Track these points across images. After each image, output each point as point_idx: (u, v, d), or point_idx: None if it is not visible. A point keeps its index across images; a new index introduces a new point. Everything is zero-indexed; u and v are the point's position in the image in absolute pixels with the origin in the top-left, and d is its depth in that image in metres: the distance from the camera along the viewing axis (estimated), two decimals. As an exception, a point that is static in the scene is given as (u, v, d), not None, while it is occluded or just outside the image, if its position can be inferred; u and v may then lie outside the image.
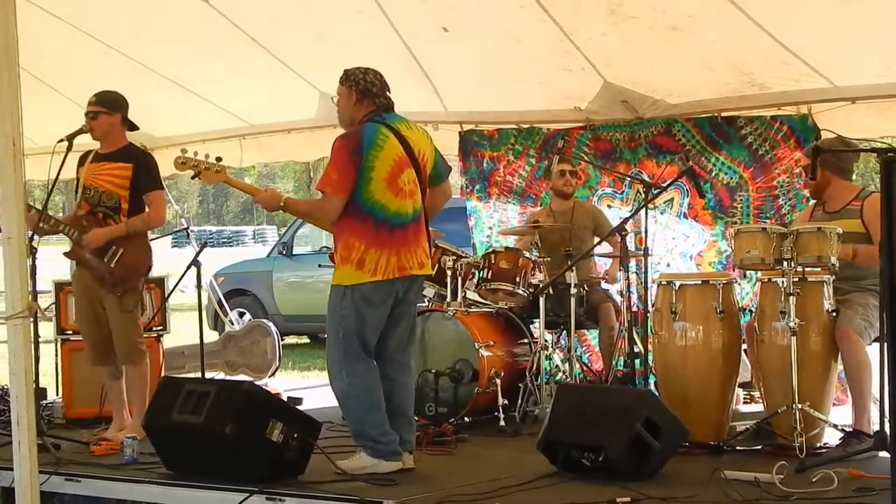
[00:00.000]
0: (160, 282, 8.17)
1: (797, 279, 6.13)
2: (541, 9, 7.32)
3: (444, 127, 8.99)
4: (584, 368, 8.30)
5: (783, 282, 6.11)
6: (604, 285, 8.28)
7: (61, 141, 6.66)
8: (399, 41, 8.01)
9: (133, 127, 7.06)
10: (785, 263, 6.03)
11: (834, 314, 6.24)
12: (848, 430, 6.16)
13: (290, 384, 10.27)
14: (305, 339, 16.83)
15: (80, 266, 7.00)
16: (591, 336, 8.58)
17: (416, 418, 6.16)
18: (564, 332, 7.85)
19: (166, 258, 9.62)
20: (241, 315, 14.74)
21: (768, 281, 6.42)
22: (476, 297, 7.95)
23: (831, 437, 6.25)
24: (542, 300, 7.48)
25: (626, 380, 7.28)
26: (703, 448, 6.14)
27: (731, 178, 8.17)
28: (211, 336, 11.11)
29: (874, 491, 5.00)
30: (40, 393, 7.53)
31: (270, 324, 10.18)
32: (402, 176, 5.72)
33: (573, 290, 7.47)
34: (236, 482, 5.40)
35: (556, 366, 7.85)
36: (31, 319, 5.16)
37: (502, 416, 7.17)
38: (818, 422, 6.13)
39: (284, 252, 15.71)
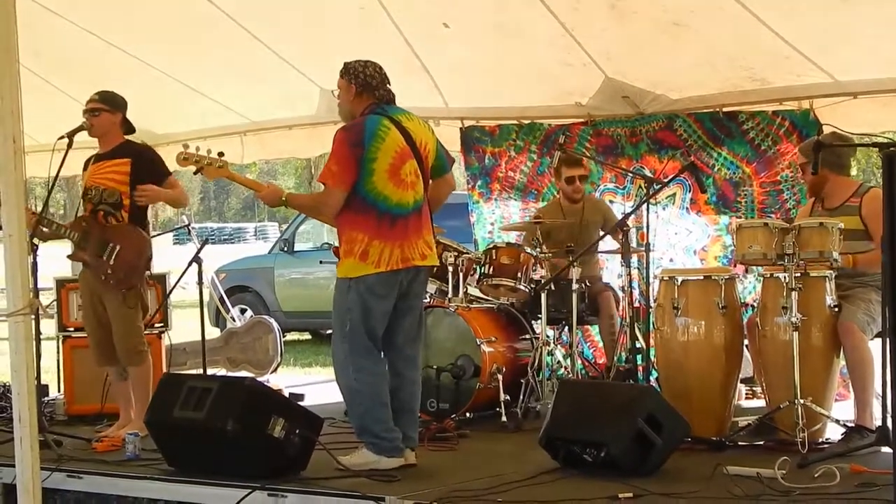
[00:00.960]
0: (162, 279, 8.17)
1: (799, 274, 6.12)
2: (541, 4, 7.31)
3: (444, 123, 8.98)
4: (587, 364, 8.29)
5: (785, 277, 6.10)
6: (605, 278, 8.29)
7: (62, 138, 6.66)
8: (400, 37, 8.00)
9: (131, 129, 7.06)
10: (787, 259, 6.03)
11: (836, 309, 6.24)
12: (850, 425, 6.16)
13: (292, 380, 10.26)
14: (307, 336, 16.84)
15: (84, 266, 7.00)
16: (594, 331, 8.57)
17: (419, 414, 6.16)
18: (566, 327, 7.85)
19: (168, 255, 9.63)
20: (243, 312, 14.73)
21: (770, 276, 6.42)
22: (477, 292, 7.94)
23: (833, 433, 6.25)
24: (543, 296, 7.47)
25: (627, 375, 7.29)
26: (705, 444, 6.13)
27: (734, 173, 8.17)
28: (212, 333, 11.10)
29: (877, 486, 4.99)
30: (42, 390, 7.53)
31: (272, 320, 10.16)
32: (404, 167, 5.71)
33: (575, 286, 7.47)
34: (238, 478, 5.40)
35: (558, 361, 7.85)
36: (33, 316, 5.15)
37: (504, 411, 7.17)
38: (820, 417, 6.13)
39: (286, 248, 15.71)
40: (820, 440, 6.15)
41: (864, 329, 6.18)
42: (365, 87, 5.80)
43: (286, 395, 7.66)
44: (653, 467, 5.47)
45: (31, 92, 5.54)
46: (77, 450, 6.49)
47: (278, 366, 9.90)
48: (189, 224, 11.39)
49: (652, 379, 6.98)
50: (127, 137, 7.04)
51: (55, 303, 8.15)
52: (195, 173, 6.03)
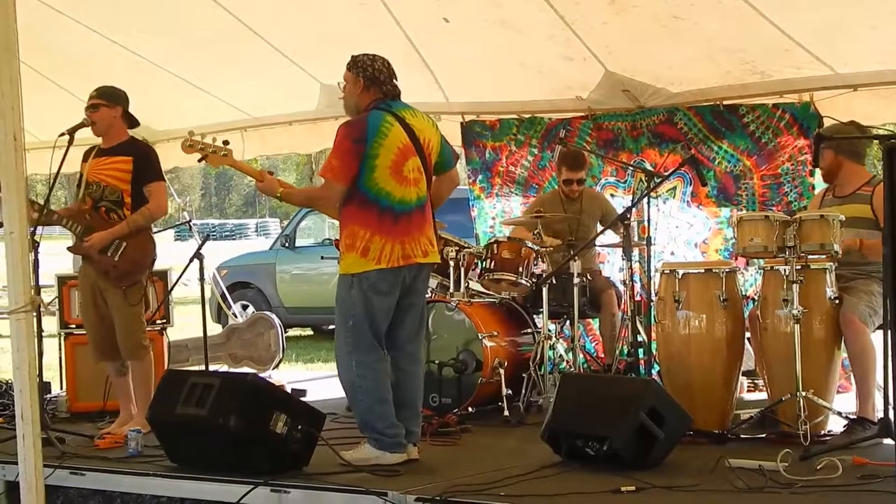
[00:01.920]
0: (163, 275, 8.17)
1: (800, 267, 6.12)
2: (542, -2, 7.32)
3: (445, 118, 8.97)
4: (589, 358, 8.30)
5: (786, 269, 6.11)
6: (605, 273, 8.29)
7: (62, 135, 6.67)
8: (400, 32, 8.00)
9: (134, 122, 7.06)
10: (788, 251, 6.03)
11: (837, 301, 6.24)
12: (852, 417, 6.17)
13: (294, 376, 10.28)
14: (309, 332, 16.86)
15: (85, 260, 7.00)
16: (596, 325, 8.58)
17: (421, 409, 6.16)
18: (568, 321, 7.85)
19: (169, 252, 9.62)
20: (245, 308, 14.76)
21: (771, 269, 6.42)
22: (479, 287, 7.95)
23: (835, 425, 6.25)
24: (545, 290, 7.47)
25: (629, 369, 7.29)
26: (708, 436, 6.14)
27: (735, 166, 8.17)
28: (214, 329, 11.13)
29: (879, 478, 5.00)
30: (44, 387, 7.56)
31: (274, 316, 10.18)
32: (407, 164, 5.71)
33: (576, 280, 7.47)
34: (241, 474, 5.40)
35: (560, 355, 7.85)
36: (34, 313, 5.15)
37: (506, 406, 7.17)
38: (822, 409, 6.13)
39: (287, 244, 15.73)
40: (822, 432, 6.15)
41: (865, 321, 6.18)
42: (373, 81, 5.79)
43: (288, 390, 7.65)
44: (655, 460, 5.47)
45: (32, 88, 5.55)
46: (80, 447, 6.49)
47: (280, 362, 9.92)
48: (190, 220, 11.42)
49: (654, 372, 6.99)
50: (131, 134, 7.04)
51: (57, 300, 8.16)
52: (199, 160, 6.03)
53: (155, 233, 7.17)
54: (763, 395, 6.87)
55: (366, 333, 5.69)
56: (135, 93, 7.11)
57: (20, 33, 4.90)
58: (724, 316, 6.48)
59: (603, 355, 8.28)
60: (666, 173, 7.65)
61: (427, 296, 6.30)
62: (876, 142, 6.56)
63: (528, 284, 7.69)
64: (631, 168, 8.50)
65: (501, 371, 7.28)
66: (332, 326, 6.50)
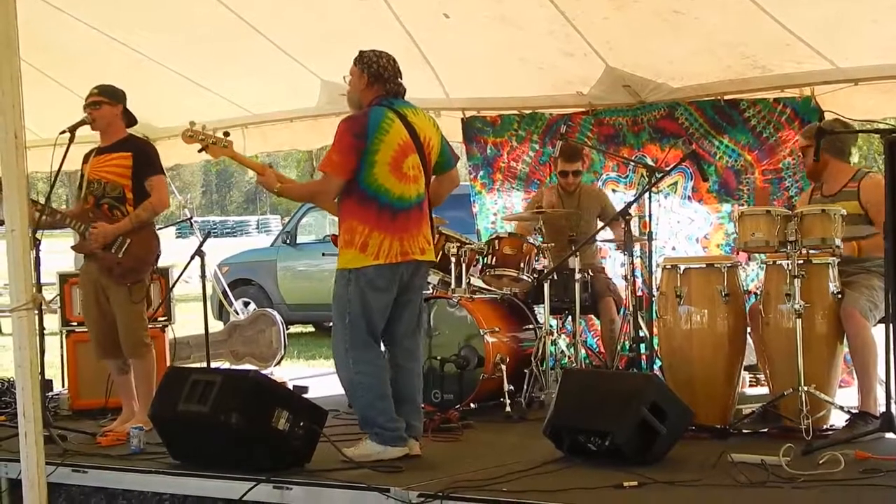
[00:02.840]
0: (164, 272, 8.17)
1: (802, 261, 6.12)
2: (542, -6, 7.32)
3: (446, 114, 8.97)
4: (591, 353, 8.30)
5: (788, 264, 6.10)
6: (607, 271, 8.29)
7: (63, 132, 6.67)
8: (400, 28, 7.99)
9: (132, 121, 7.07)
10: (789, 246, 6.03)
11: (839, 296, 6.24)
12: (854, 411, 6.17)
13: (296, 373, 10.29)
14: (310, 328, 16.86)
15: (87, 258, 7.00)
16: (598, 321, 8.57)
17: (422, 405, 6.16)
18: (569, 317, 7.85)
19: (170, 249, 9.61)
20: (246, 305, 14.77)
21: (773, 263, 6.42)
22: (480, 283, 7.95)
23: (837, 419, 6.26)
24: (546, 286, 7.47)
25: (631, 364, 7.29)
26: (710, 431, 6.14)
27: (736, 161, 8.17)
28: (216, 326, 11.13)
29: (881, 472, 5.01)
30: (46, 385, 7.54)
31: (275, 313, 10.19)
32: (407, 161, 5.72)
33: (577, 276, 7.47)
34: (243, 471, 5.40)
35: (562, 351, 7.85)
36: (36, 311, 5.15)
37: (508, 401, 7.17)
38: (824, 404, 6.13)
39: (288, 241, 15.73)
40: (824, 427, 6.16)
41: (866, 315, 6.18)
42: (377, 77, 5.80)
43: (290, 387, 7.67)
44: (657, 455, 5.47)
45: (33, 86, 5.54)
46: (82, 444, 6.50)
47: (282, 358, 9.93)
48: (191, 218, 11.43)
49: (655, 367, 7.00)
50: (129, 131, 7.05)
51: (58, 298, 8.16)
52: (200, 151, 6.01)
53: (158, 229, 7.17)
54: (765, 390, 6.86)
55: (363, 330, 5.69)
56: (135, 90, 7.11)
57: (20, 30, 4.90)
58: (725, 311, 6.47)
59: (604, 350, 8.27)
60: (667, 168, 7.64)
61: (427, 292, 6.30)
62: (858, 137, 6.57)
63: (530, 280, 7.69)
64: (632, 163, 8.49)
65: (503, 367, 7.28)
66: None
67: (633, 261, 7.13)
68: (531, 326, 7.77)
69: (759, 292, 6.72)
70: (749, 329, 6.67)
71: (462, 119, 9.31)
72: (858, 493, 4.82)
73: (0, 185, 4.99)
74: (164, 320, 8.05)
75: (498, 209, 9.32)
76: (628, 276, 7.32)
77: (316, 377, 9.65)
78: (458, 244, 7.72)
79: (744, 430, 6.23)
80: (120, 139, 6.96)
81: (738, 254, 7.31)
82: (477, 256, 7.82)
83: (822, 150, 6.42)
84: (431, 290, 7.86)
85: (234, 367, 9.59)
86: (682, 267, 6.61)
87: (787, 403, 6.12)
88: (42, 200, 6.81)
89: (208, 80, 9.26)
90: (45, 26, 8.15)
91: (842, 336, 6.29)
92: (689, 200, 8.47)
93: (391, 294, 5.73)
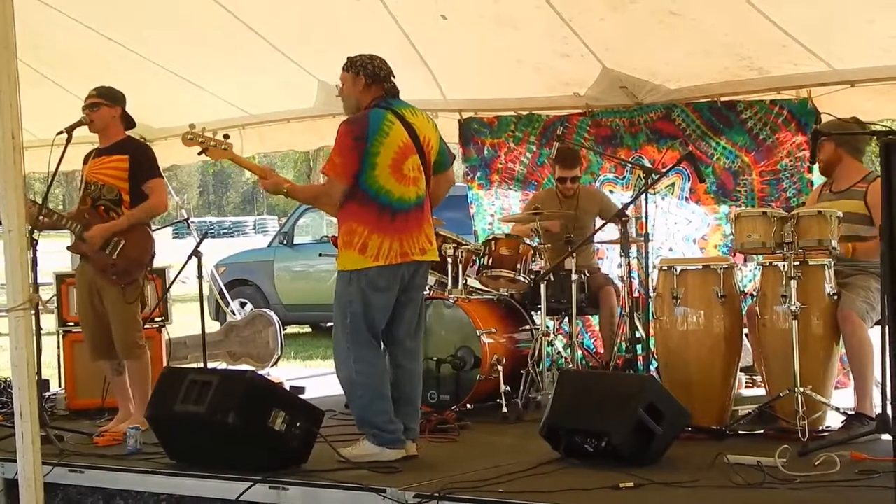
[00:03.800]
0: (161, 273, 8.17)
1: (798, 263, 6.13)
2: (539, -5, 7.32)
3: (443, 115, 8.95)
4: (587, 354, 8.30)
5: (784, 265, 6.11)
6: (604, 270, 8.30)
7: (60, 133, 6.66)
8: (397, 29, 8.00)
9: (131, 123, 7.07)
10: (786, 247, 6.03)
11: (835, 297, 6.24)
12: (850, 413, 6.17)
13: (293, 373, 10.28)
14: (307, 329, 16.86)
15: (82, 259, 7.00)
16: (595, 322, 8.58)
17: (420, 406, 6.16)
18: (566, 318, 7.85)
19: (167, 249, 9.61)
20: (243, 305, 14.77)
21: (770, 265, 6.42)
22: (477, 284, 7.95)
23: (834, 421, 6.26)
24: (543, 287, 7.47)
25: (627, 365, 7.29)
26: (706, 433, 6.14)
27: (733, 162, 8.17)
28: (213, 326, 11.12)
29: (877, 473, 5.01)
30: (43, 385, 7.55)
31: (272, 313, 10.19)
32: (407, 162, 5.72)
33: (574, 277, 7.47)
34: (239, 471, 5.40)
35: (558, 352, 7.85)
36: (33, 311, 5.16)
37: (505, 402, 7.17)
38: (820, 405, 6.14)
39: (285, 242, 15.73)
40: (820, 428, 6.16)
41: (863, 317, 6.18)
42: (374, 78, 5.80)
43: (287, 388, 7.68)
44: (654, 456, 5.47)
45: (30, 87, 5.55)
46: (78, 444, 6.50)
47: (279, 359, 9.93)
48: (188, 218, 11.41)
49: (652, 368, 7.00)
50: (127, 133, 7.05)
51: (55, 298, 8.16)
52: (199, 154, 6.01)
53: (154, 230, 7.17)
54: (761, 392, 6.87)
55: (364, 330, 5.69)
56: (132, 91, 7.11)
57: (17, 30, 4.90)
58: (722, 312, 6.48)
59: (602, 351, 8.28)
60: (664, 170, 7.65)
61: (425, 293, 6.30)
62: (874, 138, 6.57)
63: (527, 281, 7.69)
64: (629, 165, 8.50)
65: (500, 368, 7.28)
66: (330, 324, 6.51)
67: (629, 262, 7.14)
68: (528, 327, 7.77)
69: (755, 294, 6.73)
70: (745, 330, 6.68)
71: (459, 120, 9.31)
72: (854, 494, 4.82)
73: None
74: (161, 321, 8.05)
75: (495, 210, 9.33)
76: (625, 277, 7.33)
77: (313, 378, 9.65)
78: (455, 245, 7.72)
79: (740, 432, 6.23)
80: (118, 141, 6.96)
81: (735, 255, 7.31)
82: (473, 257, 7.82)
83: (837, 145, 6.45)
84: (428, 291, 7.85)
85: (230, 367, 9.59)
86: (679, 268, 6.62)
87: (784, 405, 6.13)
88: (39, 201, 6.80)
89: (205, 80, 9.26)
90: (43, 27, 8.15)
91: (838, 337, 6.29)
92: (686, 201, 8.48)
93: (393, 293, 5.74)
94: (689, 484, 5.01)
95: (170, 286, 8.18)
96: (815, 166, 7.10)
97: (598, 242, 8.31)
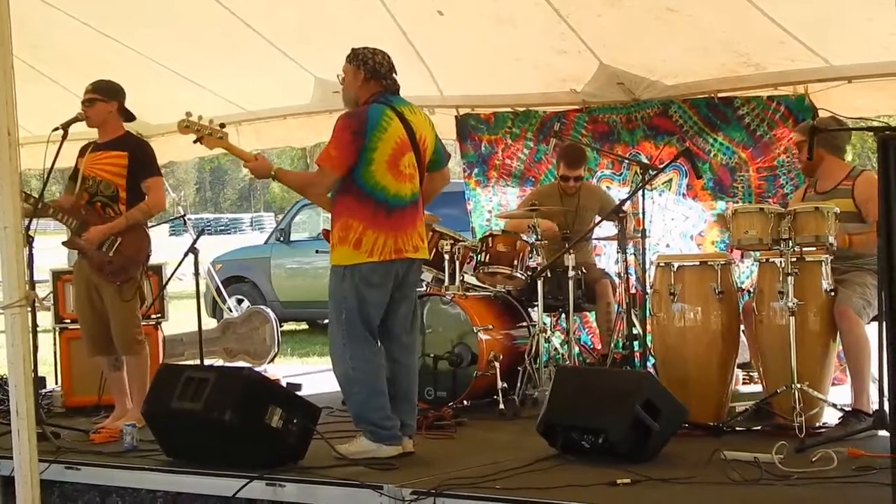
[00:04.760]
0: (158, 269, 8.17)
1: (795, 259, 6.13)
2: (536, -9, 7.31)
3: (439, 111, 8.97)
4: (584, 350, 8.30)
5: (781, 262, 6.11)
6: (601, 265, 8.30)
7: (56, 129, 6.64)
8: (394, 25, 7.99)
9: (130, 117, 7.05)
10: (783, 243, 6.03)
11: (832, 294, 6.24)
12: (847, 409, 6.18)
13: (289, 370, 10.28)
14: (304, 326, 16.86)
15: (80, 256, 6.99)
16: (592, 318, 8.58)
17: (417, 402, 6.15)
18: (563, 314, 7.85)
19: (164, 246, 9.62)
20: (240, 302, 14.76)
21: (766, 261, 6.42)
22: (474, 280, 7.95)
23: (831, 417, 6.26)
24: (540, 283, 7.47)
25: (625, 361, 7.29)
26: (703, 429, 6.15)
27: (730, 158, 8.17)
28: (209, 323, 11.12)
29: (874, 470, 5.00)
30: (39, 382, 7.53)
31: (269, 310, 10.18)
32: (403, 159, 5.71)
33: (571, 273, 7.47)
34: (236, 468, 5.40)
35: (555, 348, 7.85)
36: (29, 308, 5.15)
37: (502, 399, 7.17)
38: (817, 401, 6.14)
39: (282, 239, 15.71)
40: (817, 424, 6.17)
41: (860, 313, 6.18)
42: (374, 74, 5.79)
43: (283, 384, 7.66)
44: (651, 453, 5.47)
45: (26, 83, 5.54)
46: (75, 441, 6.50)
47: (275, 356, 9.92)
48: (185, 215, 11.41)
49: (649, 365, 7.00)
50: (127, 129, 7.03)
51: (51, 295, 8.15)
52: (195, 142, 5.99)
53: (150, 227, 7.16)
54: (758, 388, 6.87)
55: (359, 326, 5.68)
56: (129, 87, 7.09)
57: (14, 27, 4.90)
58: (719, 308, 6.48)
59: (599, 347, 8.28)
60: (661, 166, 7.65)
61: (421, 289, 6.30)
62: (861, 133, 6.58)
63: (524, 278, 7.69)
64: (626, 161, 8.49)
65: (497, 364, 7.28)
66: (327, 321, 6.50)
67: (626, 258, 7.13)
68: (525, 324, 7.76)
69: (752, 290, 6.73)
70: (742, 326, 6.68)
71: (456, 117, 9.31)
72: (851, 490, 4.82)
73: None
74: (158, 317, 8.05)
75: (493, 206, 9.32)
76: (622, 274, 7.32)
77: (309, 374, 9.64)
78: (452, 241, 7.72)
79: (737, 428, 6.23)
80: (116, 137, 6.94)
81: (732, 251, 7.31)
82: (471, 254, 7.82)
83: (818, 146, 6.42)
84: (425, 288, 7.85)
85: (227, 364, 9.59)
86: (676, 264, 6.62)
87: (781, 401, 6.13)
88: (35, 196, 6.79)
89: (202, 76, 9.25)
90: (38, 23, 8.13)
91: (835, 334, 6.29)
92: (683, 198, 8.48)
93: (387, 290, 5.73)
94: (686, 480, 5.02)
95: (166, 283, 8.17)
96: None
97: (596, 238, 8.31)
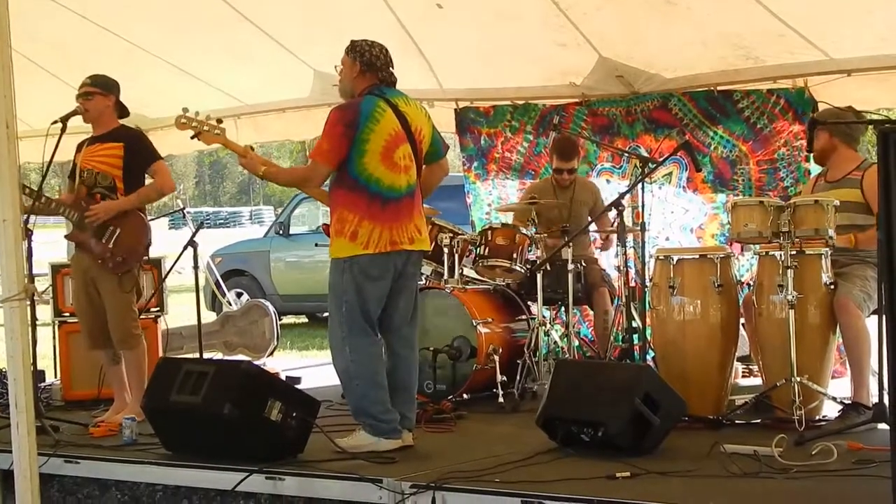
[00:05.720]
0: (157, 263, 8.16)
1: (795, 252, 6.12)
2: (535, -16, 7.30)
3: (439, 104, 8.96)
4: (585, 342, 8.30)
5: (781, 255, 6.10)
6: (601, 262, 8.29)
7: (55, 122, 6.65)
8: (393, 18, 7.98)
9: (124, 112, 7.06)
10: (783, 237, 6.03)
11: (832, 287, 6.24)
12: (847, 402, 6.18)
13: (289, 364, 10.28)
14: (303, 319, 16.86)
15: (78, 249, 6.99)
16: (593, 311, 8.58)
17: (416, 396, 6.15)
18: (563, 307, 7.85)
19: (163, 240, 9.60)
20: (239, 295, 14.75)
21: (766, 254, 6.42)
22: (473, 273, 7.94)
23: (830, 410, 6.26)
24: (539, 276, 7.46)
25: (624, 355, 7.29)
26: (703, 422, 6.14)
27: (730, 151, 8.16)
28: (209, 317, 11.11)
29: (874, 463, 5.00)
30: (38, 375, 7.52)
31: (268, 304, 10.18)
32: (398, 151, 5.70)
33: (570, 267, 7.46)
34: (235, 462, 5.40)
35: (555, 341, 7.85)
36: (28, 302, 5.14)
37: (501, 392, 7.17)
38: (817, 394, 6.13)
39: (281, 232, 15.71)
40: (817, 417, 6.16)
41: (860, 306, 6.18)
42: (369, 66, 5.79)
43: (283, 378, 7.66)
44: (650, 446, 5.47)
45: (24, 76, 5.52)
46: (74, 435, 6.50)
47: (275, 349, 9.93)
48: (184, 208, 11.39)
49: (648, 358, 6.99)
50: (121, 121, 7.04)
51: (51, 288, 8.15)
52: (192, 138, 6.00)
53: (150, 220, 7.15)
54: (758, 381, 6.88)
55: (359, 319, 5.68)
56: (127, 80, 7.09)
57: (12, 20, 4.88)
58: (718, 301, 6.47)
59: (597, 341, 8.28)
60: (661, 159, 7.64)
61: (420, 282, 6.29)
62: (870, 127, 6.58)
63: (523, 271, 7.68)
64: (626, 154, 8.48)
65: (496, 358, 7.27)
66: (326, 314, 6.50)
67: (626, 251, 7.13)
68: (524, 317, 7.76)
69: (752, 283, 6.73)
70: (742, 320, 6.67)
71: (455, 110, 9.30)
72: (851, 483, 4.82)
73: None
74: (157, 311, 8.04)
75: (492, 200, 9.32)
76: (621, 267, 7.31)
77: (309, 368, 9.65)
78: (451, 234, 7.71)
79: (737, 421, 6.23)
80: (111, 129, 6.95)
81: (732, 244, 7.30)
82: (470, 247, 7.81)
83: (832, 134, 6.44)
84: (424, 281, 7.85)
85: (226, 357, 9.59)
86: (675, 257, 6.61)
87: (780, 394, 6.12)
88: (34, 189, 6.79)
89: (201, 70, 9.24)
90: (37, 16, 8.12)
91: (834, 327, 6.28)
92: (683, 190, 8.47)
93: (386, 282, 5.73)
94: (685, 473, 5.01)
95: (166, 276, 8.17)
96: (811, 155, 7.09)
97: (595, 232, 8.31)
